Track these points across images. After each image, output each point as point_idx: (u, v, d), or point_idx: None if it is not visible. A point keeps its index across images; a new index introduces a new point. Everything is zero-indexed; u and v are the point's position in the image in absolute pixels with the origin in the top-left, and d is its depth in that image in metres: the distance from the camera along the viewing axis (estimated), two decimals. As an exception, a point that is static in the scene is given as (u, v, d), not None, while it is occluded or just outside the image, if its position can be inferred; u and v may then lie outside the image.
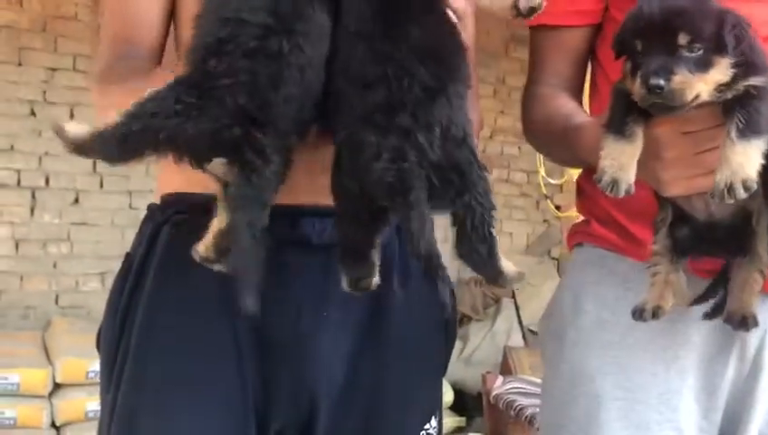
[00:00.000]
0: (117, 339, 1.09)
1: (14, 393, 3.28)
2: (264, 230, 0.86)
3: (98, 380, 1.16)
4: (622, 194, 0.90)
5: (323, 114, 0.92)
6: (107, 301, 1.15)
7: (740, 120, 0.85)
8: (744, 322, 1.02)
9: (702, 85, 0.85)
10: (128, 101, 1.05)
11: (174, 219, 1.10)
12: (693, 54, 0.85)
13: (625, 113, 0.91)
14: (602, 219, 1.23)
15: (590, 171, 1.23)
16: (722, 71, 0.86)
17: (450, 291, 1.28)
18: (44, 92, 4.10)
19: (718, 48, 0.85)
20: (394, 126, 0.85)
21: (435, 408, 1.21)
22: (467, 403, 4.37)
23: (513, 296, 5.08)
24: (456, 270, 5.28)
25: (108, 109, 1.10)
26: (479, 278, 5.15)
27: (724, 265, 1.08)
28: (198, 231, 1.06)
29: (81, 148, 0.84)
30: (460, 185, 0.88)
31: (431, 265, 0.86)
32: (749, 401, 1.17)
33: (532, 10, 0.98)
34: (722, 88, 0.87)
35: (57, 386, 3.37)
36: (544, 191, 4.92)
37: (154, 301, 1.07)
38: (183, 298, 1.06)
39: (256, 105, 0.83)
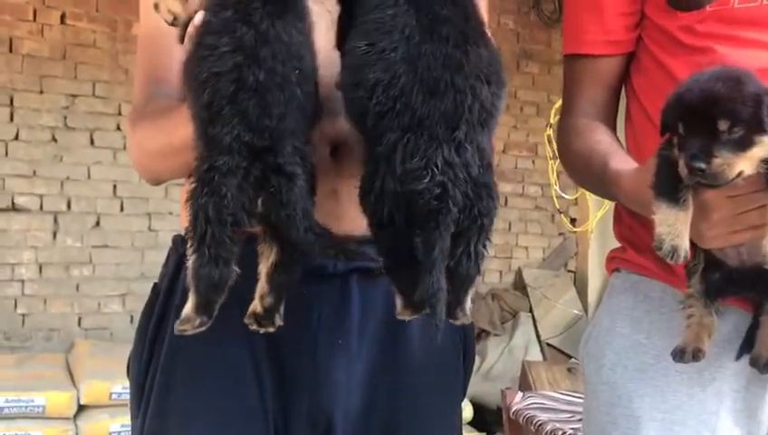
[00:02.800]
0: (145, 367, 1.13)
1: (40, 416, 3.33)
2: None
3: (121, 401, 1.20)
4: (681, 260, 0.95)
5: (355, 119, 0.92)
6: (136, 329, 1.19)
7: None
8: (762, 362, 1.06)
9: (744, 163, 0.90)
10: (151, 138, 1.11)
11: None
12: (734, 136, 0.89)
13: (675, 181, 0.95)
14: (638, 246, 1.26)
15: None
16: (763, 148, 0.90)
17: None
18: (65, 118, 4.19)
19: (758, 128, 0.89)
20: (451, 139, 0.85)
21: (454, 432, 1.23)
22: (487, 419, 4.37)
23: (531, 310, 5.08)
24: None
25: (135, 148, 1.16)
26: (497, 292, 5.16)
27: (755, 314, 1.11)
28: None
29: None
30: (487, 207, 0.90)
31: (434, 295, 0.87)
32: None
33: None
34: (766, 160, 0.91)
35: (81, 408, 3.42)
36: (558, 206, 4.94)
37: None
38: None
39: (259, 136, 0.88)
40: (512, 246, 5.40)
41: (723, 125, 0.89)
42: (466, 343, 1.27)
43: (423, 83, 0.86)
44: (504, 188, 5.31)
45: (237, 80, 0.87)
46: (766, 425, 1.19)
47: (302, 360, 1.11)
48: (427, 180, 0.84)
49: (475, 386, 4.33)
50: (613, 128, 1.28)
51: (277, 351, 1.10)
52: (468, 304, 0.96)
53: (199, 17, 0.93)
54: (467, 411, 4.09)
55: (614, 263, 1.33)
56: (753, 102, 0.89)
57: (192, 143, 0.93)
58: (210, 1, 0.93)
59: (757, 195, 0.94)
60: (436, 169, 0.85)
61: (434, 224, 0.86)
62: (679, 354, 1.07)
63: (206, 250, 0.89)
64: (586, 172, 1.24)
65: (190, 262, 0.91)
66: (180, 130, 1.00)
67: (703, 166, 0.88)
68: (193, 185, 0.90)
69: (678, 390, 1.19)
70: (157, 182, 1.20)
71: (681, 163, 0.91)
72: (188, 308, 0.94)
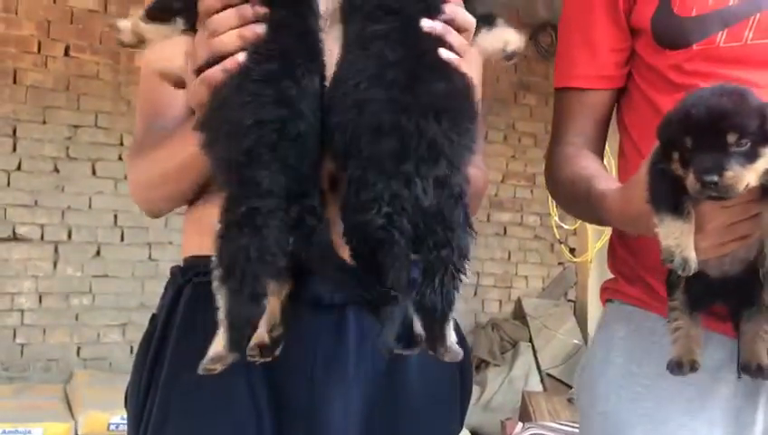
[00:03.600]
0: (143, 398, 1.14)
1: (38, 447, 3.32)
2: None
3: (119, 432, 1.21)
4: (692, 272, 0.96)
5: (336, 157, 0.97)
6: (134, 360, 1.20)
7: None
8: (760, 370, 1.06)
9: (751, 175, 0.92)
10: (147, 170, 1.14)
11: (194, 281, 1.15)
12: (741, 149, 0.92)
13: (677, 194, 0.96)
14: (630, 278, 1.28)
15: (620, 232, 1.30)
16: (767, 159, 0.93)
17: (462, 339, 1.31)
18: (67, 148, 4.23)
19: (763, 140, 0.92)
20: (398, 174, 0.91)
21: None
22: (487, 450, 4.34)
23: (531, 340, 5.07)
24: (473, 314, 5.30)
25: (133, 182, 1.19)
26: (496, 322, 5.15)
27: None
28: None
29: None
30: (443, 238, 0.93)
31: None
32: None
33: (514, 54, 1.05)
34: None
35: (79, 439, 3.41)
36: (557, 236, 4.95)
37: (175, 362, 1.12)
38: (201, 359, 1.11)
39: (296, 181, 0.93)
40: (511, 276, 5.42)
41: (731, 138, 0.91)
42: (463, 374, 1.27)
43: (369, 126, 0.92)
44: (502, 217, 5.34)
45: (280, 130, 0.91)
46: None
47: (299, 390, 1.11)
48: (374, 212, 0.90)
49: (476, 417, 4.31)
50: (601, 158, 1.31)
51: (274, 381, 1.11)
52: (451, 339, 0.96)
53: (234, 63, 0.95)
54: (467, 442, 4.06)
55: (607, 294, 1.35)
56: (758, 116, 0.92)
57: (197, 175, 0.94)
58: (250, 49, 0.95)
59: (750, 205, 0.96)
60: (382, 201, 0.90)
61: (383, 253, 0.90)
62: (676, 367, 1.07)
63: (244, 289, 0.92)
64: (572, 197, 1.26)
65: (224, 301, 0.93)
66: (177, 158, 1.02)
67: (716, 179, 0.90)
68: (228, 225, 0.93)
69: (670, 419, 1.20)
70: (156, 214, 1.22)
71: (691, 177, 0.92)
72: (219, 346, 0.95)
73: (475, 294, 5.31)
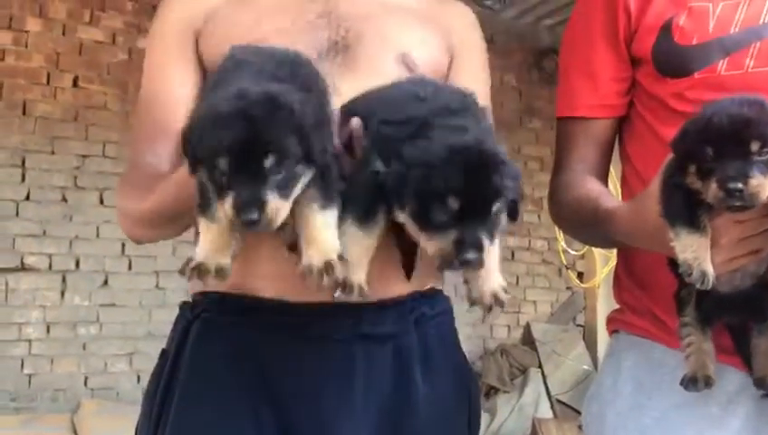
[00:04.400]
0: (153, 432, 1.14)
1: (44, 478, 3.30)
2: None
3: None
4: (711, 285, 0.96)
5: None
6: (144, 394, 1.20)
7: None
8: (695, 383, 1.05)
9: None
10: (137, 208, 1.16)
11: (202, 317, 1.15)
12: (763, 158, 0.92)
13: (693, 207, 0.97)
14: (637, 309, 1.27)
15: (626, 262, 1.30)
16: None
17: (469, 371, 1.30)
18: (75, 178, 4.26)
19: None
20: None
21: None
22: (497, 478, 4.29)
23: (540, 366, 5.03)
24: (482, 340, 5.26)
25: (121, 211, 1.21)
26: (505, 348, 5.11)
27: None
28: (223, 328, 1.12)
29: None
30: None
31: None
32: None
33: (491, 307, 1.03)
34: None
35: (86, 470, 3.39)
36: (564, 261, 4.92)
37: (184, 396, 1.12)
38: (210, 392, 1.11)
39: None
40: (519, 301, 5.39)
41: (755, 146, 0.91)
42: (471, 401, 1.26)
43: None
44: (509, 241, 5.32)
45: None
46: None
47: (307, 422, 1.11)
48: None
49: (485, 444, 4.26)
50: (605, 183, 1.31)
51: (282, 413, 1.11)
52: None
53: None
54: (477, 471, 4.01)
55: (613, 324, 1.34)
56: None
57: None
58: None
59: (760, 220, 0.96)
60: None
61: None
62: (691, 383, 1.06)
63: None
64: (578, 218, 1.26)
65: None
66: (169, 203, 1.07)
67: (741, 187, 0.90)
68: None
69: None
70: (139, 242, 1.26)
71: (713, 186, 0.91)
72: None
73: (484, 319, 5.26)
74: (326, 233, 0.90)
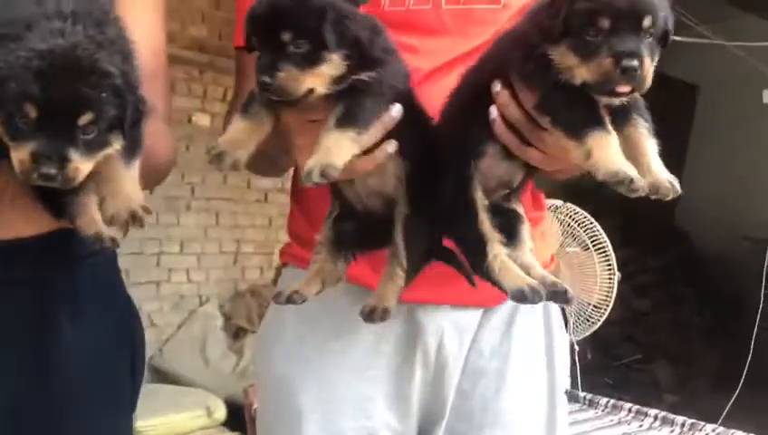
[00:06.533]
0: None
1: None
2: None
3: None
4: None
5: None
6: None
7: (340, 111, 0.88)
8: (386, 312, 1.04)
9: (313, 80, 0.87)
10: None
11: None
12: (299, 51, 0.86)
13: (255, 97, 0.92)
14: (304, 241, 1.27)
15: (298, 196, 1.29)
16: (332, 66, 0.87)
17: (133, 316, 1.23)
18: None
19: (322, 44, 0.87)
20: None
21: None
22: (243, 418, 4.32)
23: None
24: (233, 282, 5.20)
25: None
26: (256, 289, 5.11)
27: None
28: None
29: None
30: None
31: None
32: (439, 402, 1.27)
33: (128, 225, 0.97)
34: (338, 81, 0.89)
35: None
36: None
37: None
38: None
39: None
40: (272, 242, 5.37)
41: (286, 36, 0.86)
42: (135, 346, 1.21)
43: None
44: (262, 183, 5.27)
45: None
46: (416, 405, 1.26)
47: None
48: None
49: (231, 385, 4.26)
50: None
51: None
52: None
53: None
54: (219, 413, 4.01)
55: (283, 257, 1.35)
56: (316, 17, 0.87)
57: None
58: None
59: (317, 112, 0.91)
60: None
61: None
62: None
63: None
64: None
65: None
66: None
67: (267, 79, 0.85)
68: None
69: (337, 381, 1.22)
70: None
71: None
72: None
73: (235, 262, 5.22)
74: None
